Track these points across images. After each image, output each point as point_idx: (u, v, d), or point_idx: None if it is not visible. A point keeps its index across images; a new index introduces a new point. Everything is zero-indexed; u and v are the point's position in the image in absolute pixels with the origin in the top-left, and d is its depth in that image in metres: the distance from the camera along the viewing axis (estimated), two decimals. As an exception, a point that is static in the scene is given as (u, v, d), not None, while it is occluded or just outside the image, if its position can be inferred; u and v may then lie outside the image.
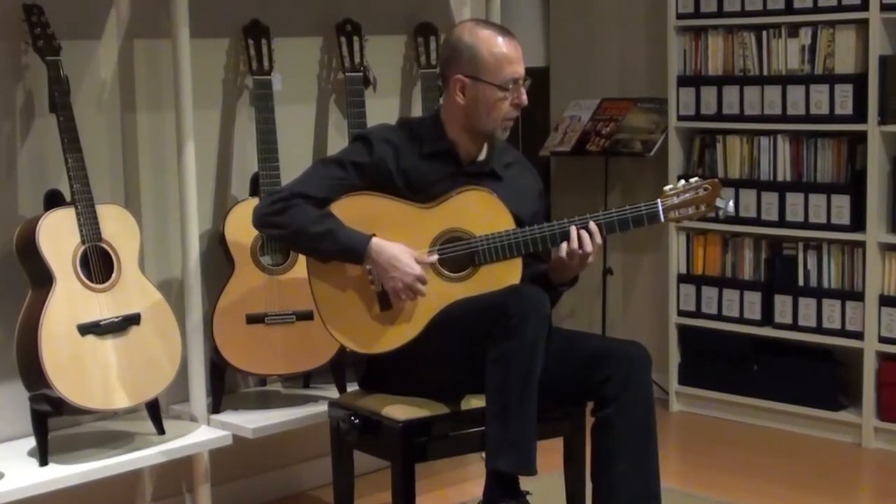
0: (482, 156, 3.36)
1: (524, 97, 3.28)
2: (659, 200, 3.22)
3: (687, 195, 3.23)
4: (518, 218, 3.27)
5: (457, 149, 3.32)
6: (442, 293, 3.21)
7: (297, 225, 3.20)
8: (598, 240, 3.19)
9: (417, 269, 3.18)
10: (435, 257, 3.22)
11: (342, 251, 3.21)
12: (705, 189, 3.24)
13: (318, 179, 3.28)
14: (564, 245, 3.19)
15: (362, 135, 3.36)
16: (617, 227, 3.21)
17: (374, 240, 3.19)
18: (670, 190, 3.25)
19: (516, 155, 3.50)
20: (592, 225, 3.19)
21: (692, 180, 3.26)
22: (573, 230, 3.19)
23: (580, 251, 3.18)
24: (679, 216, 3.24)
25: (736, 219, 4.82)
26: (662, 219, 3.23)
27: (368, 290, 3.24)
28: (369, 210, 3.25)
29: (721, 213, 3.27)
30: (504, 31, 3.30)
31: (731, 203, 3.30)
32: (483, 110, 3.25)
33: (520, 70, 3.26)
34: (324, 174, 3.30)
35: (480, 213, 3.24)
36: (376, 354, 3.26)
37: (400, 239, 3.21)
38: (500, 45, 3.24)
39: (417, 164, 3.29)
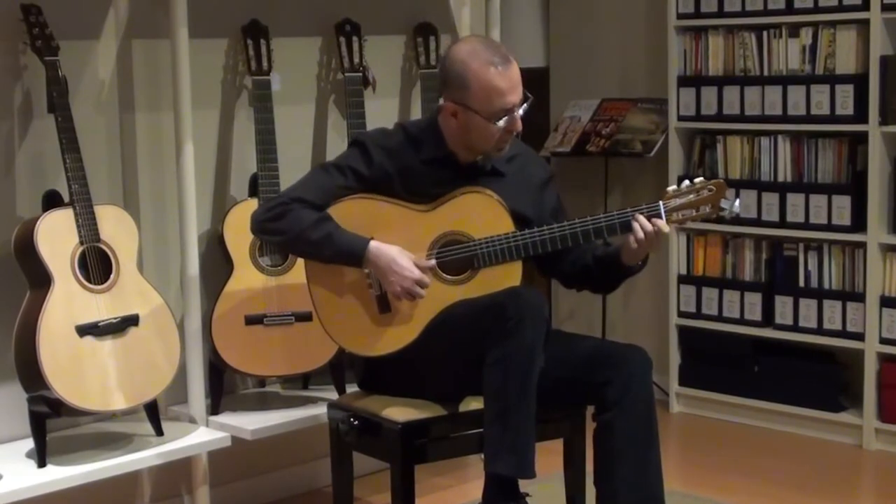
0: (481, 157, 3.32)
1: (518, 124, 3.19)
2: (661, 202, 3.18)
3: (690, 196, 3.19)
4: (522, 214, 3.25)
5: (455, 155, 3.28)
6: (441, 296, 3.20)
7: (296, 230, 3.19)
8: (664, 229, 3.13)
9: (416, 273, 3.16)
10: (433, 262, 3.21)
11: (341, 255, 3.19)
12: (709, 190, 3.19)
13: (316, 185, 3.26)
14: (633, 233, 3.14)
15: (359, 140, 3.32)
16: (618, 229, 3.19)
17: (373, 243, 3.18)
18: (673, 191, 3.20)
19: (520, 146, 3.42)
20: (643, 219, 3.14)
21: (696, 181, 3.21)
22: (634, 222, 3.13)
23: (644, 238, 3.13)
24: (682, 217, 3.19)
25: (736, 220, 4.79)
26: (665, 220, 3.18)
27: (367, 294, 3.23)
28: (367, 213, 3.23)
29: (727, 213, 3.20)
30: (499, 55, 3.15)
31: (738, 203, 3.20)
32: (475, 135, 3.20)
33: (512, 99, 3.15)
34: (323, 179, 3.27)
35: (479, 215, 3.22)
36: (376, 357, 3.25)
37: (398, 242, 3.20)
38: (491, 76, 3.12)
39: (416, 168, 3.26)
